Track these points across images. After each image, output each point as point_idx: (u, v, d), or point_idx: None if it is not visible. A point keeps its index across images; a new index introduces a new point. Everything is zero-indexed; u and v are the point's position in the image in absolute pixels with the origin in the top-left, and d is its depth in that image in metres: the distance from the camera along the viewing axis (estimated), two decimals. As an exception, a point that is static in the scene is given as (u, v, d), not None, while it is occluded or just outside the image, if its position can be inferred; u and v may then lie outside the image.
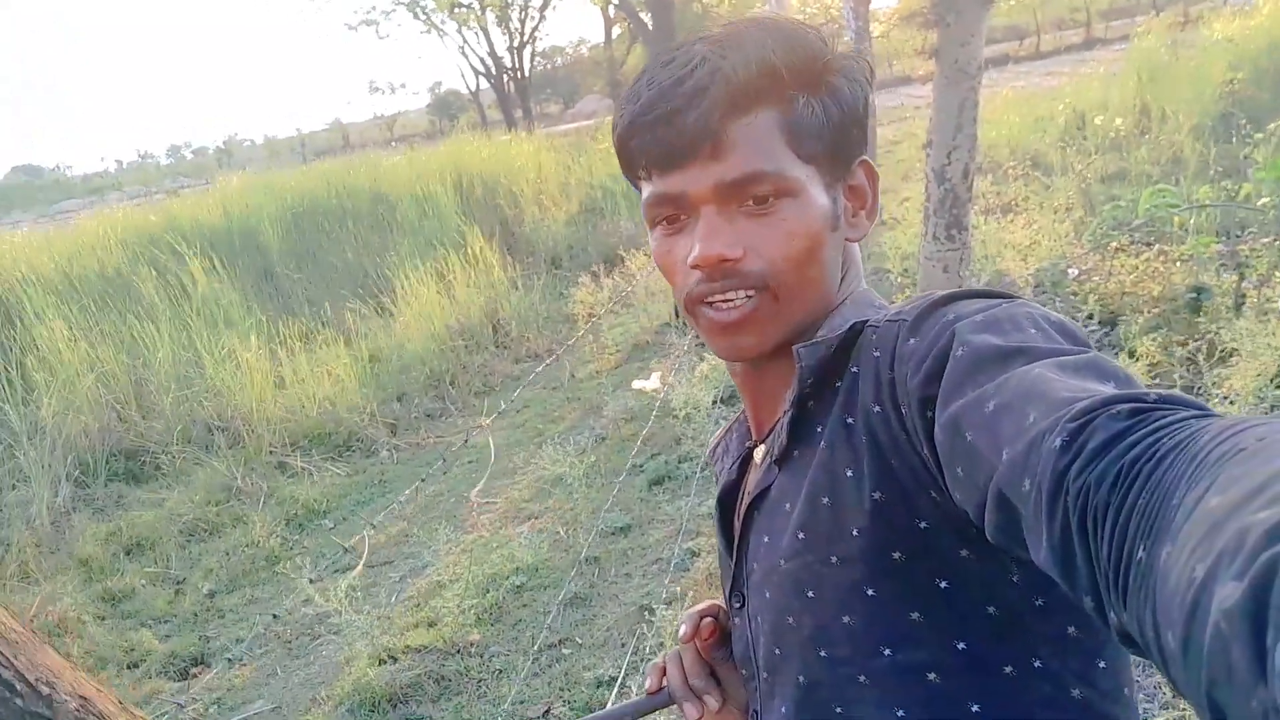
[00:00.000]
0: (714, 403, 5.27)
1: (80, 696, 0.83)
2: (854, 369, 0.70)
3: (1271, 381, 3.80)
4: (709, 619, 0.90)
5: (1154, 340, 4.35)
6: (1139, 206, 5.18)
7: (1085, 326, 5.04)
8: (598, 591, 4.10)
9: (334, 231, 11.01)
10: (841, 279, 0.80)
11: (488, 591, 4.13)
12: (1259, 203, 4.73)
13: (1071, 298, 5.46)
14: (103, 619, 4.54)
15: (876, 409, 0.66)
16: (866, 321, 0.72)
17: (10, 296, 8.66)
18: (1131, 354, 4.39)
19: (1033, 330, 0.58)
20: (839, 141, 0.76)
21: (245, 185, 13.51)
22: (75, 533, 5.45)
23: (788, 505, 0.74)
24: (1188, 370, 4.27)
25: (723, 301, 0.75)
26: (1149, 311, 4.83)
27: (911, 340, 0.64)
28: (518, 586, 4.18)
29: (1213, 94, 9.38)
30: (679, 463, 5.07)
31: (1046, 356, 0.55)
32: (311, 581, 4.14)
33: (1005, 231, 6.55)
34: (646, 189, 0.78)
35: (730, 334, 0.76)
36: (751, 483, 0.83)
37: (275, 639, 4.25)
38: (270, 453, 6.29)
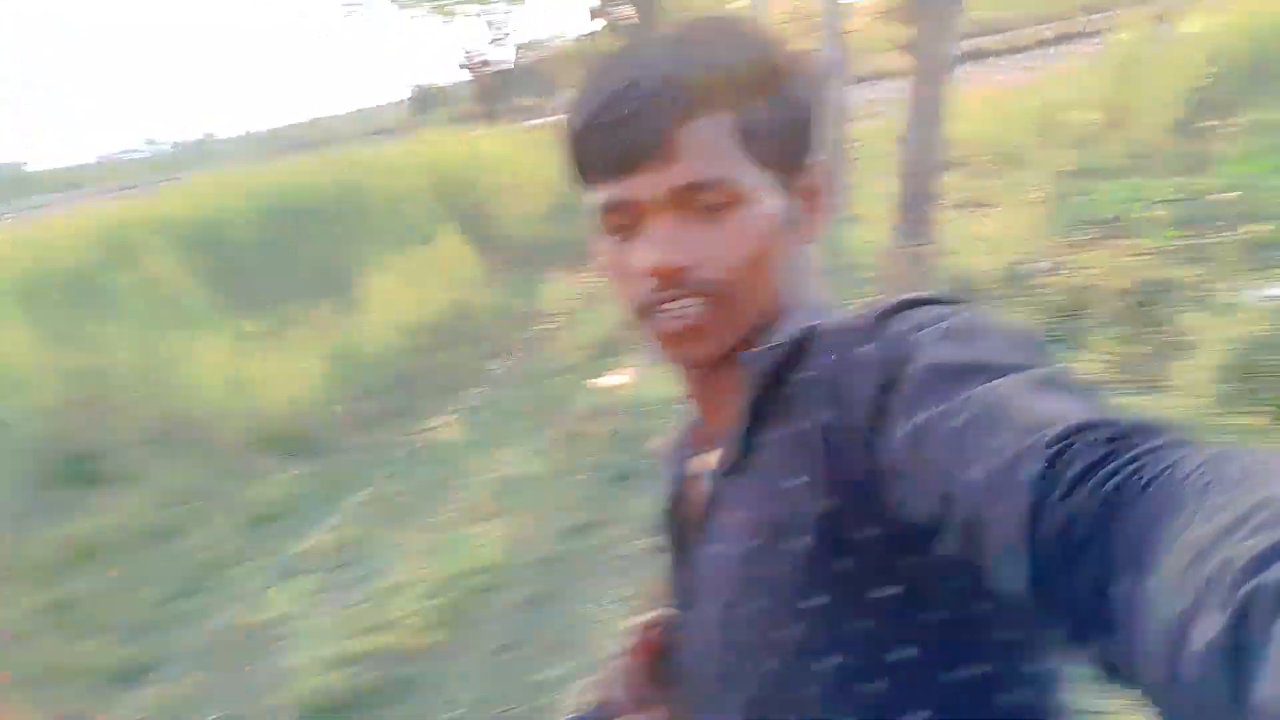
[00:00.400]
0: (679, 398, 5.23)
1: None
2: (805, 375, 0.69)
3: (1235, 368, 3.80)
4: (654, 630, 0.89)
5: (1114, 334, 4.34)
6: (1106, 201, 5.18)
7: (1050, 320, 5.04)
8: (555, 592, 4.07)
9: (305, 227, 10.92)
10: (795, 283, 0.78)
11: (446, 593, 4.09)
12: (1225, 196, 4.73)
13: (1038, 292, 5.46)
14: (51, 628, 4.46)
15: (827, 416, 0.65)
16: (817, 327, 0.71)
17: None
18: (1093, 349, 4.39)
19: (994, 341, 0.58)
20: (792, 143, 0.76)
21: (217, 182, 13.38)
22: (27, 538, 5.36)
23: (738, 513, 0.73)
24: (1154, 362, 4.26)
25: (673, 310, 0.73)
26: (1114, 305, 4.83)
27: (867, 348, 0.63)
28: (473, 588, 4.13)
29: (1184, 89, 9.42)
30: (643, 459, 5.04)
31: (1011, 371, 0.55)
32: (269, 586, 4.10)
33: (974, 225, 6.56)
34: (595, 195, 0.76)
35: (680, 342, 0.75)
36: (701, 490, 0.82)
37: (228, 645, 4.19)
38: (232, 454, 6.21)
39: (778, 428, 0.70)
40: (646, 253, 0.72)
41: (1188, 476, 0.42)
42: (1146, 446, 0.45)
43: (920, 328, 0.61)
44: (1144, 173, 7.63)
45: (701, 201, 0.71)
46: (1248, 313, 4.18)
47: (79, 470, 6.29)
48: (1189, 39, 11.21)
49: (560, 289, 8.33)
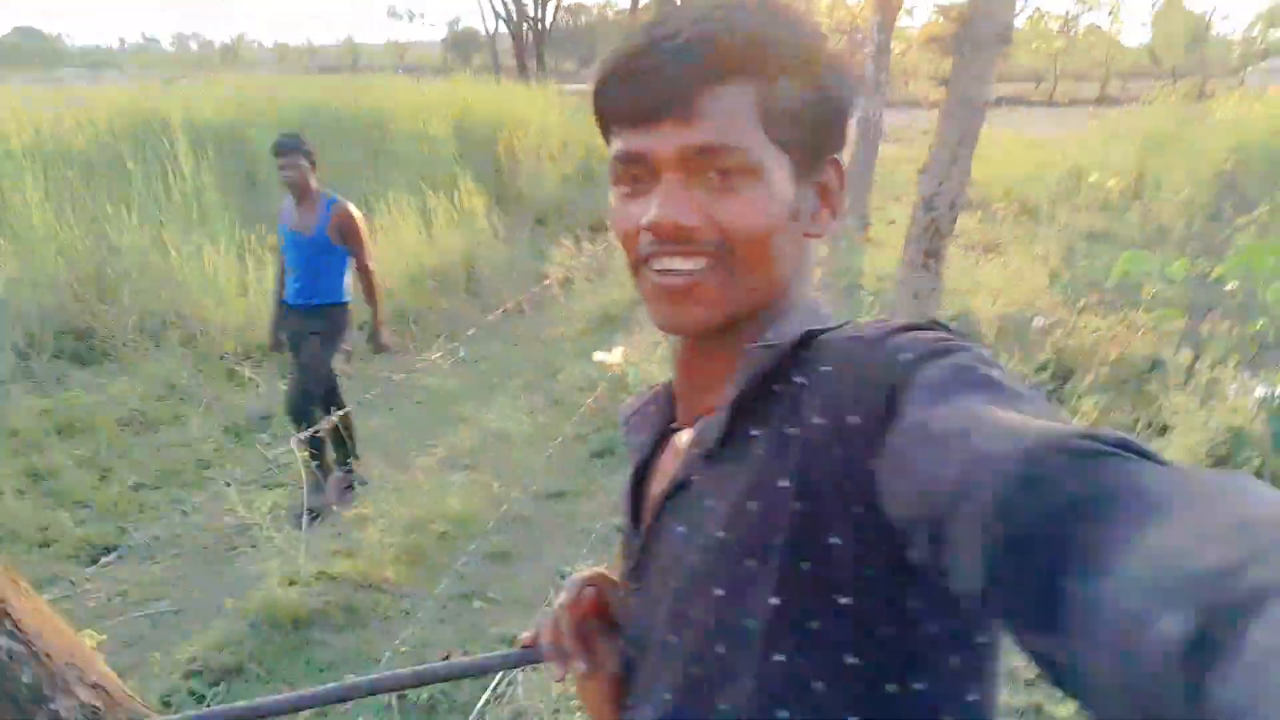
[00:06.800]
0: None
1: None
2: (800, 379, 0.69)
3: (1204, 458, 3.90)
4: (591, 588, 0.91)
5: (1098, 402, 4.43)
6: (1114, 270, 5.27)
7: (1037, 377, 5.14)
8: (520, 551, 4.13)
9: (327, 149, 10.85)
10: (796, 279, 0.79)
11: (411, 533, 4.14)
12: (1228, 286, 4.82)
13: (1033, 345, 5.55)
14: (22, 494, 4.50)
15: (819, 422, 0.66)
16: (820, 334, 0.71)
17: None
18: (1074, 412, 4.48)
19: (986, 369, 0.59)
20: (814, 133, 0.75)
21: (244, 86, 13.29)
22: (10, 404, 5.39)
23: (710, 501, 0.73)
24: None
25: (672, 269, 0.74)
26: (1102, 373, 4.92)
27: (868, 362, 0.64)
28: (442, 533, 4.19)
29: (1208, 172, 9.51)
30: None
31: (996, 389, 0.57)
32: (238, 492, 4.15)
33: (981, 270, 6.63)
34: (614, 144, 0.77)
35: (676, 302, 0.75)
36: (670, 465, 0.82)
37: (192, 543, 4.25)
38: (221, 358, 6.25)
39: (766, 425, 0.70)
40: (653, 207, 0.73)
41: (1152, 488, 0.43)
42: (1115, 457, 0.47)
43: (918, 348, 0.62)
44: (1156, 247, 7.73)
45: (714, 165, 0.72)
46: (1232, 405, 4.27)
47: (73, 348, 6.31)
48: (1221, 124, 11.31)
49: (571, 255, 8.35)
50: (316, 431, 4.38)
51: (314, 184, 4.43)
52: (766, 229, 0.73)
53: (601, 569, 0.96)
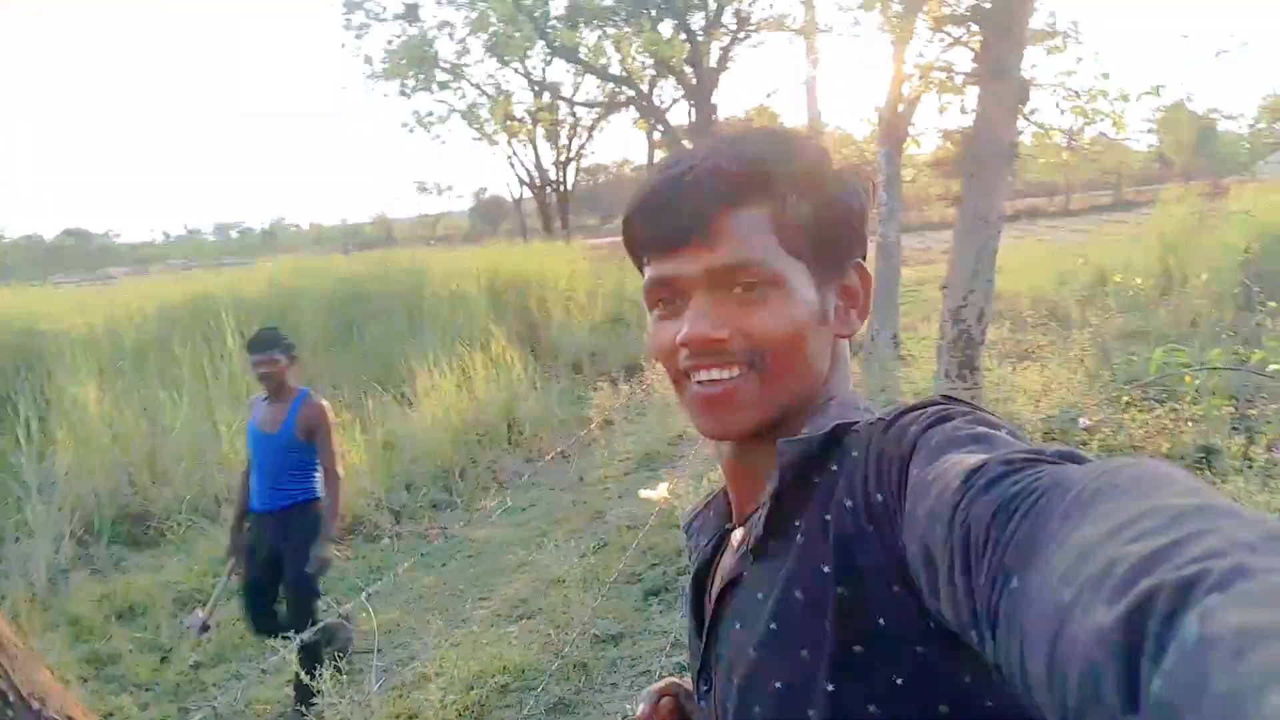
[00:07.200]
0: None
1: (68, 716, 0.88)
2: (834, 467, 0.72)
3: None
4: (668, 698, 0.93)
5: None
6: (1152, 364, 5.26)
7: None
8: (583, 699, 4.05)
9: (366, 320, 11.25)
10: (831, 377, 0.83)
11: (472, 689, 4.08)
12: (1269, 369, 4.79)
13: (1080, 446, 5.49)
14: (85, 680, 4.52)
15: (849, 503, 0.68)
16: (852, 424, 0.74)
17: (45, 351, 8.87)
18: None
19: (980, 428, 0.62)
20: (828, 241, 0.80)
21: (286, 267, 13.88)
22: (71, 591, 5.46)
23: (760, 594, 0.75)
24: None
25: (709, 379, 0.78)
26: (1156, 467, 4.85)
27: (886, 438, 0.67)
28: (503, 686, 4.13)
29: (1231, 263, 9.55)
30: (677, 575, 5.05)
31: (985, 441, 0.59)
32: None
33: (1019, 376, 6.62)
34: (646, 273, 0.83)
35: (715, 409, 0.79)
36: (726, 566, 0.84)
37: (255, 718, 4.21)
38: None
39: (803, 515, 0.73)
40: (685, 324, 0.78)
41: (1081, 482, 0.44)
42: (1046, 463, 0.49)
43: (922, 420, 0.65)
44: (1190, 340, 7.70)
45: (737, 281, 0.77)
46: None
47: (129, 531, 6.42)
48: (1236, 216, 11.41)
49: (607, 398, 8.45)
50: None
51: (290, 381, 4.16)
52: (793, 332, 0.78)
53: (675, 678, 0.98)
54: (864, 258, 0.86)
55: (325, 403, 4.21)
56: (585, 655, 4.39)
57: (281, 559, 4.11)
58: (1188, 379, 5.88)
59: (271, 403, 4.14)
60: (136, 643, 4.93)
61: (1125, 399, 5.83)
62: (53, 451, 6.93)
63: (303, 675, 3.82)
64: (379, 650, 4.70)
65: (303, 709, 3.98)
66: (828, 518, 0.70)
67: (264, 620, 4.19)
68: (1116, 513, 0.40)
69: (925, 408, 0.68)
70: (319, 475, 4.18)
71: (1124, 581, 0.36)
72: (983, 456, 0.54)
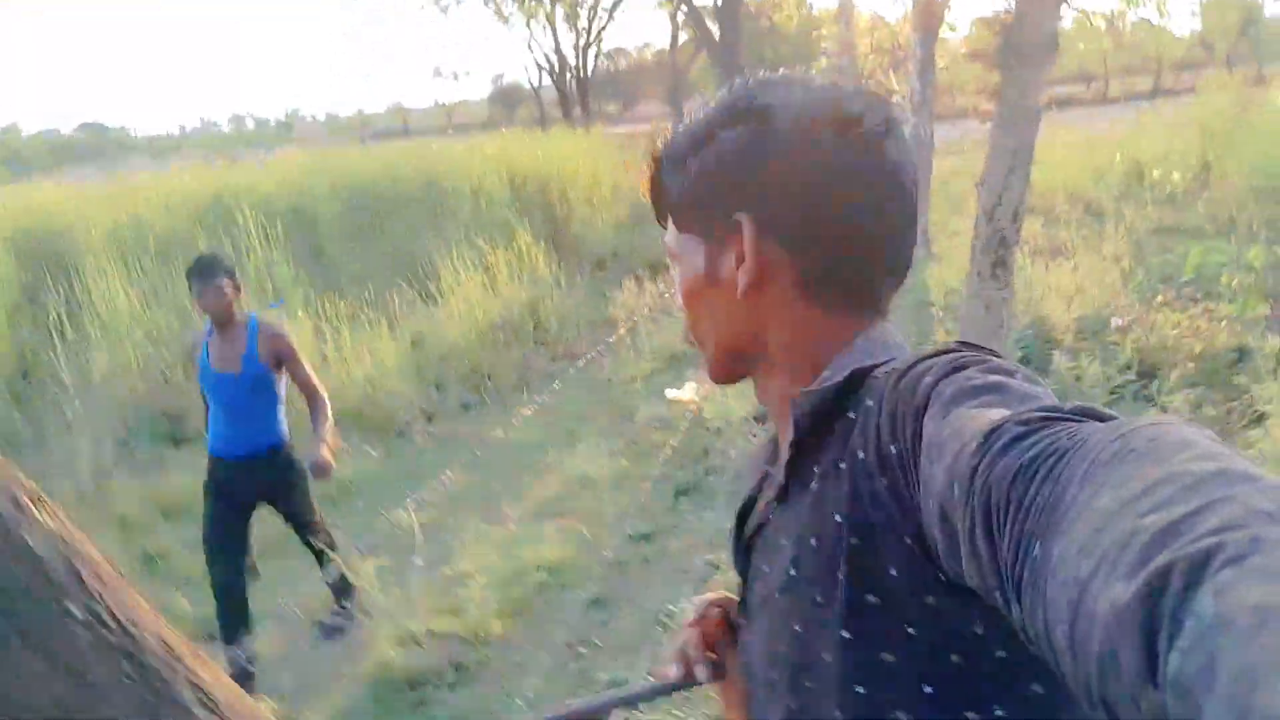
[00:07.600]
0: (745, 418, 5.33)
1: (161, 639, 0.92)
2: (851, 414, 0.72)
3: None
4: (717, 609, 0.96)
5: (1188, 397, 4.35)
6: (1188, 262, 5.18)
7: (1122, 377, 5.05)
8: (619, 596, 4.17)
9: (386, 214, 11.18)
10: (778, 329, 0.82)
11: (511, 585, 4.21)
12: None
13: (1112, 347, 5.46)
14: (139, 579, 4.68)
15: (862, 455, 0.68)
16: (871, 369, 0.74)
17: (71, 249, 8.90)
18: (1164, 409, 4.40)
19: (995, 377, 0.61)
20: (700, 209, 0.84)
21: (304, 161, 13.74)
22: (116, 491, 5.60)
23: (783, 540, 0.77)
24: (1220, 430, 4.27)
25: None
26: (1188, 367, 4.83)
27: (899, 390, 0.66)
28: (541, 583, 4.26)
29: (1273, 156, 9.28)
30: (706, 474, 5.14)
31: (1001, 392, 0.58)
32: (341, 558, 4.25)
33: (1051, 275, 6.55)
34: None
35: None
36: (761, 507, 0.86)
37: (302, 611, 4.36)
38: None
39: (821, 463, 0.74)
40: None
41: (1099, 446, 0.44)
42: (1063, 420, 0.49)
43: (936, 370, 0.64)
44: (1228, 237, 7.56)
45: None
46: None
47: (168, 429, 6.55)
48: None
49: (633, 297, 8.44)
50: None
51: (238, 312, 3.77)
52: (689, 301, 0.87)
53: (726, 593, 1.00)
54: (759, 206, 0.80)
55: (281, 321, 3.98)
56: (619, 553, 4.51)
57: (258, 505, 4.01)
58: (1224, 278, 5.80)
59: (222, 337, 3.75)
60: (184, 540, 5.07)
61: (1160, 298, 5.77)
62: (88, 350, 7.01)
63: (346, 572, 3.94)
64: (420, 549, 4.84)
65: (345, 604, 4.11)
66: (842, 465, 0.71)
67: (230, 567, 4.01)
68: (1133, 480, 0.40)
69: (938, 356, 0.67)
70: (283, 413, 3.93)
71: (1141, 555, 0.36)
72: (1000, 413, 0.53)
